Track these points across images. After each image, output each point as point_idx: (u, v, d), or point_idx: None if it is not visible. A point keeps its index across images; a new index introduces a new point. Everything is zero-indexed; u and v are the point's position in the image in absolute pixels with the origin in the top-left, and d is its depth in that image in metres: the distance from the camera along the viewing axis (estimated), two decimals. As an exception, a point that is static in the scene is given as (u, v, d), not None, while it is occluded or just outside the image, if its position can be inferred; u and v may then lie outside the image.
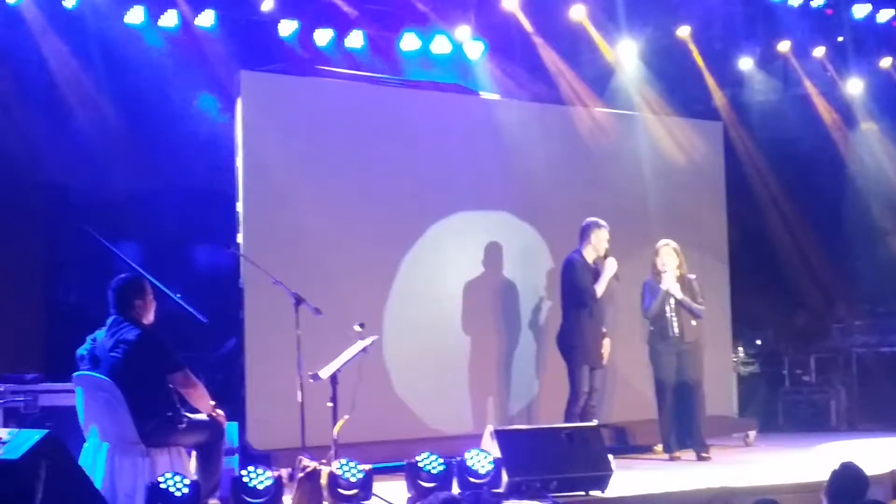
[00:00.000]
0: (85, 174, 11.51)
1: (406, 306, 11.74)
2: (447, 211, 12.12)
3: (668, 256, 11.71)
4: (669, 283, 11.61)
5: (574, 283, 11.42)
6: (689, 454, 11.67)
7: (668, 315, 11.65)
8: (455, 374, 12.01)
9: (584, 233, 11.51)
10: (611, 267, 11.38)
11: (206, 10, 11.85)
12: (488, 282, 12.26)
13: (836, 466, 7.16)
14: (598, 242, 11.43)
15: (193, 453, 8.39)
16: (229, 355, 11.26)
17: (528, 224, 12.60)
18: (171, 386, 8.27)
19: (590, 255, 11.45)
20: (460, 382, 12.03)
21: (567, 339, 11.47)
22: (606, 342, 11.53)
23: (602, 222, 11.48)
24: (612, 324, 12.27)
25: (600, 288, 11.36)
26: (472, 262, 12.20)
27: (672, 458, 11.57)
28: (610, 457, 9.28)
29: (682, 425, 11.77)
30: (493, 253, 12.28)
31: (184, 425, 8.26)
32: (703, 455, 11.60)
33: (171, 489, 7.73)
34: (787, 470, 10.07)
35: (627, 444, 12.15)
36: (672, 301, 11.62)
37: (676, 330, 11.66)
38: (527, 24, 13.33)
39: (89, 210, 11.46)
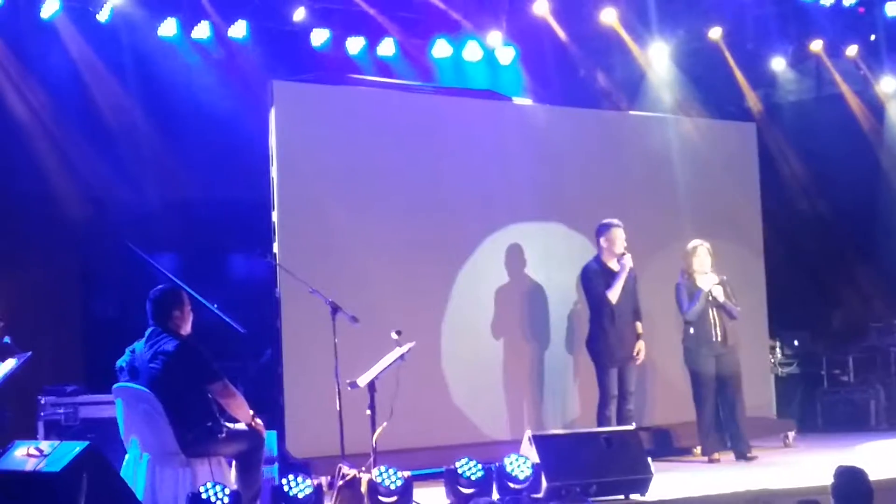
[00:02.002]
0: (121, 187, 11.59)
1: (444, 314, 11.77)
2: (481, 218, 12.12)
3: (705, 257, 11.70)
4: (711, 284, 11.59)
5: (588, 291, 11.51)
6: (727, 455, 11.66)
7: (710, 318, 11.62)
8: (496, 380, 12.02)
9: (597, 237, 11.55)
10: (622, 268, 11.37)
11: (238, 21, 11.94)
12: (520, 287, 12.25)
13: (836, 471, 7.20)
14: (613, 243, 11.43)
15: (233, 463, 8.42)
16: (267, 365, 11.30)
17: (565, 227, 12.57)
18: (210, 396, 8.31)
19: (607, 257, 11.45)
20: (504, 387, 12.05)
21: (592, 344, 11.54)
22: (640, 344, 11.52)
23: (614, 222, 11.49)
24: (650, 325, 12.26)
25: (614, 293, 11.36)
26: (505, 267, 12.19)
27: (711, 461, 11.55)
28: (649, 460, 9.26)
29: (723, 427, 11.75)
30: (518, 256, 12.26)
31: (223, 435, 8.28)
32: (749, 455, 11.58)
33: (213, 499, 7.75)
34: (828, 471, 9.99)
35: (668, 446, 12.12)
36: (712, 302, 11.59)
37: (719, 334, 11.64)
38: (558, 29, 13.34)
39: (126, 223, 11.55)
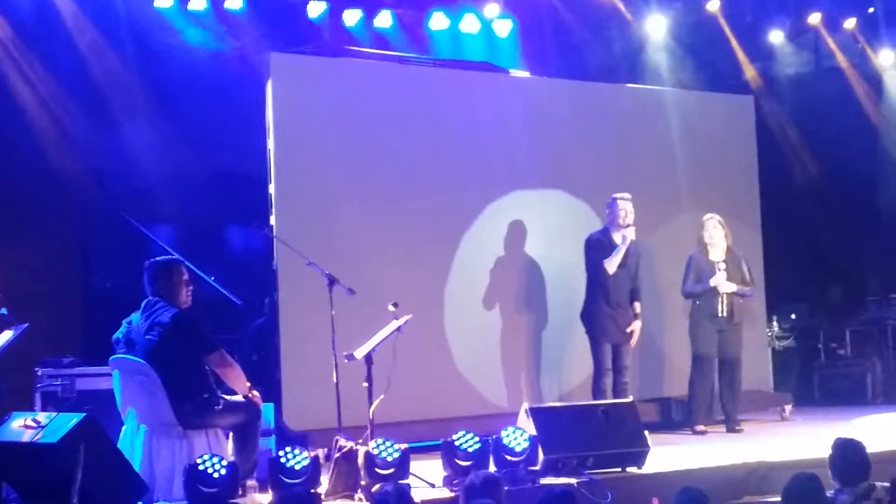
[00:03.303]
0: (119, 160, 11.58)
1: (445, 286, 11.79)
2: (480, 189, 12.11)
3: (715, 230, 11.72)
4: (720, 280, 11.61)
5: (588, 261, 11.51)
6: (717, 429, 11.74)
7: (719, 293, 11.64)
8: (494, 352, 12.03)
9: (607, 209, 11.54)
10: (623, 240, 11.36)
11: (234, -7, 11.90)
12: (519, 258, 12.26)
13: (834, 443, 7.25)
14: (617, 215, 11.42)
15: (230, 435, 8.45)
16: (259, 334, 11.29)
17: (566, 197, 12.56)
18: (207, 367, 8.32)
19: (613, 230, 11.45)
20: (502, 359, 12.07)
21: (586, 316, 11.56)
22: (637, 324, 11.52)
23: (622, 195, 11.48)
24: (651, 299, 12.27)
25: (611, 264, 11.35)
26: (504, 238, 12.19)
27: (695, 433, 11.60)
28: (646, 433, 9.27)
29: (718, 400, 11.78)
30: (517, 227, 12.27)
31: (220, 407, 8.31)
32: (737, 429, 11.68)
33: (210, 470, 7.78)
34: (825, 444, 10.00)
35: (670, 419, 12.14)
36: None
37: (725, 310, 11.66)
38: (555, 1, 13.29)
39: (124, 195, 11.56)
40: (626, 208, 11.40)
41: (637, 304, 11.57)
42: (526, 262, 12.29)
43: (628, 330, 11.49)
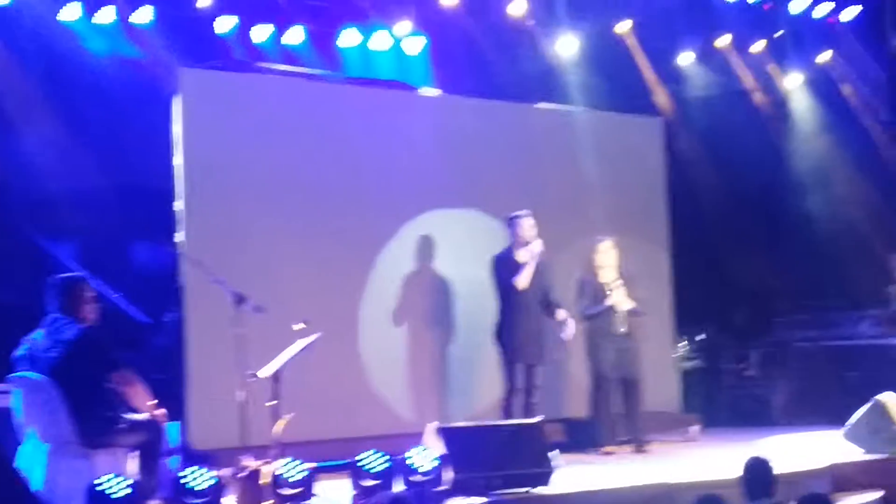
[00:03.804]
0: (22, 173, 11.39)
1: (356, 305, 11.72)
2: (394, 207, 12.08)
3: (609, 252, 11.77)
4: (618, 298, 11.65)
5: (497, 281, 11.49)
6: (623, 449, 11.74)
7: (613, 312, 11.68)
8: (402, 371, 11.98)
9: (508, 228, 11.54)
10: (532, 255, 11.35)
11: (142, 7, 11.73)
12: (428, 277, 12.23)
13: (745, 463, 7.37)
14: (522, 233, 11.42)
15: (134, 454, 8.31)
16: (163, 352, 11.16)
17: (477, 216, 12.54)
18: (110, 386, 8.20)
19: (517, 248, 11.45)
20: (411, 379, 12.02)
21: (499, 336, 11.51)
22: (571, 323, 11.52)
23: (522, 212, 11.49)
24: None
25: (522, 279, 11.34)
26: (413, 257, 12.16)
27: (606, 454, 11.60)
28: (554, 453, 9.25)
29: (621, 420, 11.81)
30: (426, 246, 12.25)
31: (124, 425, 8.22)
32: (643, 449, 11.71)
33: (111, 490, 7.64)
34: (730, 465, 10.06)
35: (577, 439, 12.14)
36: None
37: (624, 329, 11.70)
38: (467, 20, 13.29)
39: (28, 210, 11.35)
40: (528, 224, 11.41)
41: (560, 311, 11.55)
42: (439, 281, 12.27)
43: (563, 326, 11.50)
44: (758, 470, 7.43)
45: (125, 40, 11.89)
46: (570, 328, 11.54)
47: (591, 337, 11.84)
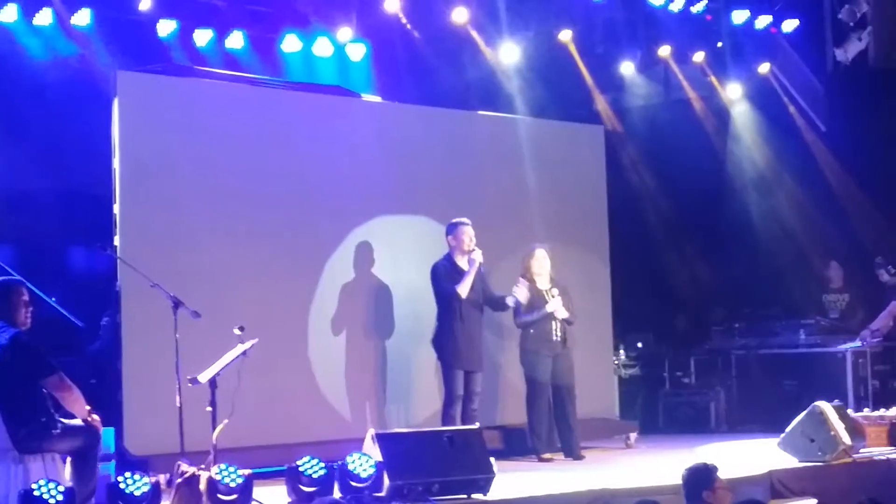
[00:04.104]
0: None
1: (299, 311, 11.67)
2: (340, 214, 12.03)
3: (543, 259, 11.82)
4: (556, 306, 11.69)
5: (437, 289, 11.50)
6: (560, 456, 11.80)
7: (551, 320, 11.71)
8: (340, 377, 11.93)
9: (447, 235, 11.56)
10: (471, 263, 11.37)
11: (82, 9, 11.62)
12: (367, 284, 12.18)
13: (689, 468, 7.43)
14: (461, 241, 11.44)
15: (68, 459, 8.24)
16: (98, 357, 11.08)
17: (418, 222, 12.53)
18: (44, 390, 8.12)
19: (457, 256, 11.46)
20: (349, 385, 11.96)
21: (438, 343, 11.53)
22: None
23: (462, 220, 11.52)
24: (497, 327, 12.32)
25: (463, 287, 11.36)
26: (353, 264, 12.11)
27: (542, 460, 11.63)
28: (492, 459, 9.25)
29: (556, 428, 11.83)
30: (366, 254, 12.17)
31: (58, 431, 8.13)
32: (580, 455, 11.74)
33: (46, 496, 7.54)
34: (668, 471, 10.12)
35: (515, 446, 12.14)
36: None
37: (559, 334, 11.74)
38: (409, 26, 13.29)
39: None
40: (468, 232, 11.43)
41: (508, 298, 11.64)
42: (385, 286, 12.22)
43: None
44: (701, 476, 7.46)
45: (65, 43, 11.80)
46: (521, 291, 11.58)
47: (527, 345, 11.85)
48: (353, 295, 12.06)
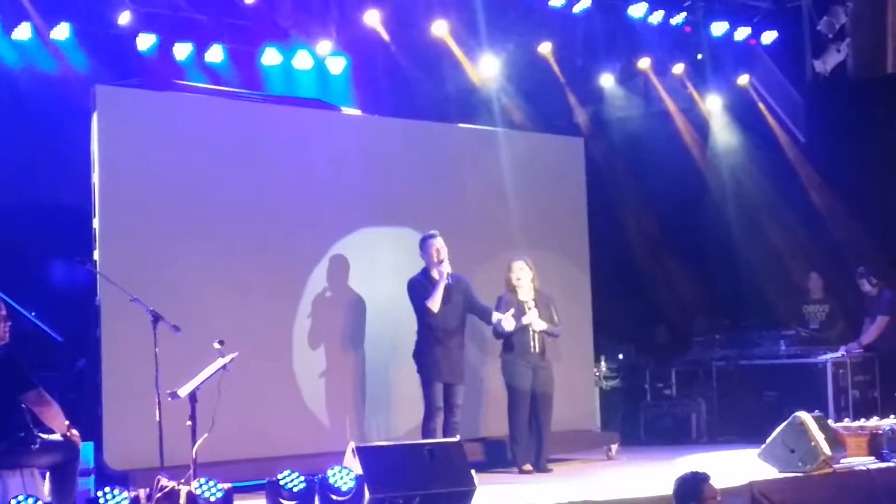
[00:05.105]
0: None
1: (278, 325, 11.66)
2: (314, 226, 12.01)
3: (522, 271, 11.82)
4: (533, 318, 11.70)
5: (413, 303, 11.51)
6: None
7: (530, 331, 11.72)
8: (321, 391, 11.92)
9: (420, 250, 11.55)
10: (440, 276, 11.37)
11: (61, 23, 11.62)
12: (344, 297, 12.15)
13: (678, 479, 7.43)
14: (430, 255, 11.45)
15: (48, 475, 8.22)
16: (81, 374, 11.06)
17: (398, 235, 12.51)
18: (23, 405, 8.10)
19: (431, 269, 11.46)
20: (330, 398, 11.95)
21: (417, 356, 11.53)
22: (507, 318, 11.52)
23: (431, 233, 11.51)
24: (479, 338, 12.32)
25: (434, 303, 11.36)
26: (327, 279, 12.08)
27: (522, 472, 11.63)
28: (473, 472, 9.25)
29: (533, 439, 11.83)
30: (341, 269, 12.13)
31: (37, 446, 8.11)
32: (547, 468, 11.75)
33: (24, 512, 7.56)
34: (649, 483, 10.14)
35: (496, 458, 12.14)
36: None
37: (537, 347, 11.75)
38: (388, 40, 13.30)
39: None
40: (437, 245, 11.43)
41: (494, 313, 11.59)
42: (361, 300, 12.19)
43: (502, 323, 11.52)
44: (686, 486, 7.46)
45: (44, 57, 11.79)
46: (509, 321, 11.55)
47: (506, 356, 11.86)
48: (333, 308, 12.05)
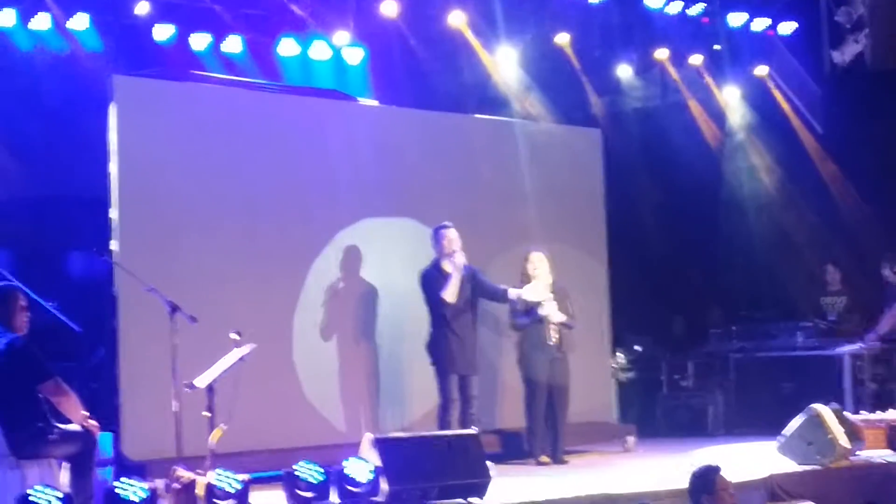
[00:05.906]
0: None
1: (292, 315, 11.64)
2: (329, 217, 12.01)
3: (540, 262, 11.78)
4: (550, 310, 11.67)
5: (427, 295, 11.50)
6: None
7: (546, 324, 11.70)
8: (338, 381, 11.92)
9: (433, 241, 11.53)
10: (454, 268, 11.36)
11: (78, 14, 11.64)
12: (360, 287, 12.14)
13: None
14: (442, 245, 11.43)
15: (65, 465, 8.23)
16: (100, 365, 11.07)
17: (415, 225, 12.48)
18: (41, 396, 8.12)
19: (443, 261, 11.44)
20: (346, 389, 11.94)
21: (432, 348, 11.52)
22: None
23: (443, 224, 11.50)
24: (494, 330, 12.30)
25: (449, 293, 11.34)
26: (342, 267, 12.07)
27: (539, 463, 11.63)
28: (490, 464, 9.24)
29: (549, 431, 11.82)
30: (361, 256, 12.13)
31: (55, 436, 8.12)
32: (564, 460, 11.74)
33: (42, 502, 7.53)
34: (666, 475, 10.11)
35: (513, 450, 12.13)
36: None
37: (554, 338, 11.72)
38: (406, 30, 13.28)
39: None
40: (449, 236, 11.41)
41: (510, 290, 11.58)
42: (371, 290, 12.19)
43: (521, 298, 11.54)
44: (700, 479, 7.47)
45: (62, 47, 11.80)
46: (531, 292, 11.55)
47: (523, 348, 11.85)
48: (347, 298, 12.05)
